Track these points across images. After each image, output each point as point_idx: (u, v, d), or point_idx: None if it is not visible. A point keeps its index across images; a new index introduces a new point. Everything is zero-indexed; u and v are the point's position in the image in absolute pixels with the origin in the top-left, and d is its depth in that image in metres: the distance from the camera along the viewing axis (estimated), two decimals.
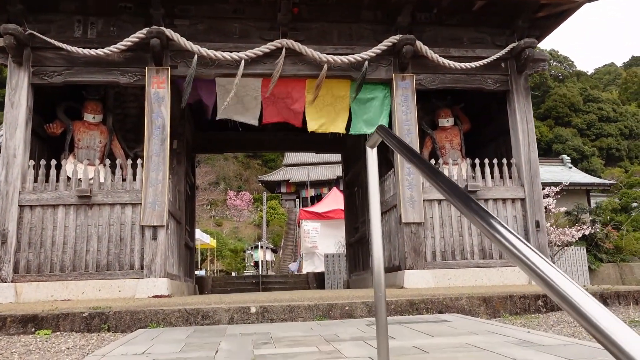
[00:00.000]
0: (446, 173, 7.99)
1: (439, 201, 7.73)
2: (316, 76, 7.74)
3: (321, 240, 20.27)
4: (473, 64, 7.85)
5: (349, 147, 11.66)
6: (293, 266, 22.35)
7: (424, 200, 7.56)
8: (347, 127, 8.31)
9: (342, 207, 19.75)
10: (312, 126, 8.25)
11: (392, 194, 8.25)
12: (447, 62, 7.82)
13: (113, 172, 7.50)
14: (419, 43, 7.75)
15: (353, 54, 7.78)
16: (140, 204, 7.06)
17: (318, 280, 16.93)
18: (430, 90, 8.18)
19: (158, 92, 7.40)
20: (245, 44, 7.74)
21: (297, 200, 55.33)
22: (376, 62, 7.93)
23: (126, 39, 7.32)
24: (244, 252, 39.86)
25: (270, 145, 11.88)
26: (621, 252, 18.53)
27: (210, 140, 11.45)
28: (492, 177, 7.94)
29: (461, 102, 8.99)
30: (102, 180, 7.31)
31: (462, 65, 7.83)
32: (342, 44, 8.01)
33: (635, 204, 30.51)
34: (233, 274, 37.60)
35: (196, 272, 25.96)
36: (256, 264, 34.92)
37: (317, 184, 54.84)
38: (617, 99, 64.65)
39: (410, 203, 7.47)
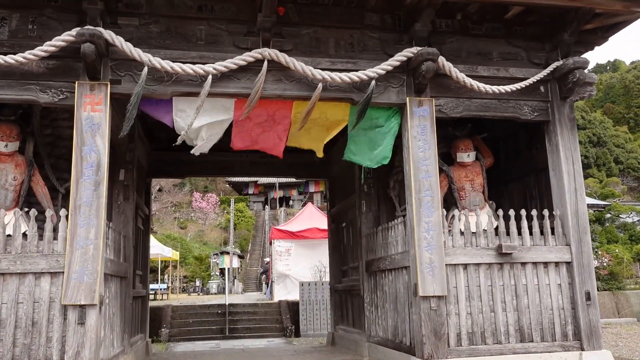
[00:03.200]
0: (472, 225, 6.24)
1: (465, 266, 5.96)
2: (307, 98, 5.85)
3: (295, 261, 18.41)
4: (509, 87, 6.11)
5: (335, 175, 9.83)
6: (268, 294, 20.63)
7: (446, 264, 5.78)
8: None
9: (319, 226, 17.94)
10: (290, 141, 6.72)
11: (400, 251, 6.44)
12: (475, 84, 6.06)
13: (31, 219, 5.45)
14: (441, 59, 5.95)
15: (355, 69, 5.93)
16: (63, 272, 5.06)
17: (292, 311, 15.05)
18: (452, 118, 6.40)
19: (92, 117, 5.39)
20: (213, 52, 5.80)
21: (266, 202, 53.75)
22: (385, 81, 6.10)
23: (48, 43, 5.29)
24: (209, 258, 37.97)
25: (241, 169, 9.96)
26: (616, 278, 17.43)
27: (170, 162, 9.49)
28: (531, 233, 6.21)
29: (484, 131, 7.25)
30: (10, 233, 5.28)
31: (496, 88, 6.08)
32: (341, 56, 6.14)
33: (608, 215, 30.05)
34: (197, 282, 35.85)
35: (156, 286, 23.94)
36: (222, 271, 33.28)
37: (285, 186, 53.51)
38: (584, 105, 64.89)
39: (430, 269, 5.66)
